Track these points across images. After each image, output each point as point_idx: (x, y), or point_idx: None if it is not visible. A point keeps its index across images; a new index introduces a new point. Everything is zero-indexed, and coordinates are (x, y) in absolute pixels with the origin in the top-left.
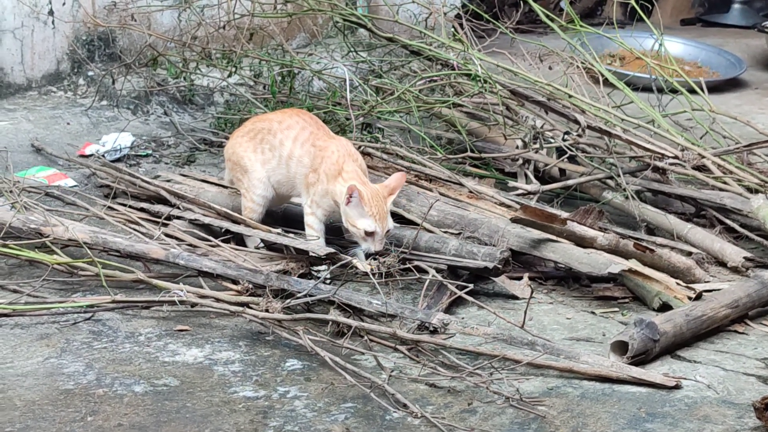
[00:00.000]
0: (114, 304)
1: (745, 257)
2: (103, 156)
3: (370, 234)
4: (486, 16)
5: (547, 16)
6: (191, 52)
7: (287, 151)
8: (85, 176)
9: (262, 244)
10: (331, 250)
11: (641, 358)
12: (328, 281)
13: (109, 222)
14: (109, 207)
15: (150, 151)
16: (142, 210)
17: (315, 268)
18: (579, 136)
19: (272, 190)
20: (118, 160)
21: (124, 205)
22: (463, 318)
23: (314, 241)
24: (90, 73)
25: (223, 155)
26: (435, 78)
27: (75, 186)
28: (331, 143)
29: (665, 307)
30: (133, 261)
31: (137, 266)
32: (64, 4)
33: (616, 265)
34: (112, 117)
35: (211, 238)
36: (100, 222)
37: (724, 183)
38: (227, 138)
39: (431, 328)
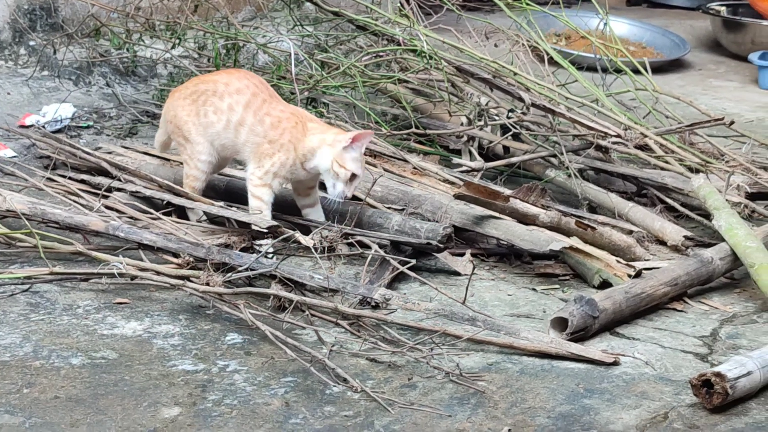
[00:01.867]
0: (52, 276)
1: (685, 236)
2: (43, 127)
3: (354, 177)
4: None
5: None
6: (135, 23)
7: (237, 117)
8: (24, 147)
9: (204, 217)
10: (275, 223)
11: (580, 335)
12: (270, 255)
13: (49, 193)
14: (49, 178)
15: (91, 123)
16: (82, 182)
17: (257, 242)
18: (523, 113)
19: (216, 154)
20: (59, 131)
21: (64, 176)
22: (404, 293)
23: (258, 215)
24: (31, 43)
25: (164, 114)
26: (381, 53)
27: (14, 156)
28: (284, 111)
29: (605, 285)
30: (72, 233)
31: (76, 238)
32: None
33: (558, 242)
34: (54, 87)
35: (152, 210)
36: (39, 193)
37: (666, 162)
38: None
39: (373, 304)
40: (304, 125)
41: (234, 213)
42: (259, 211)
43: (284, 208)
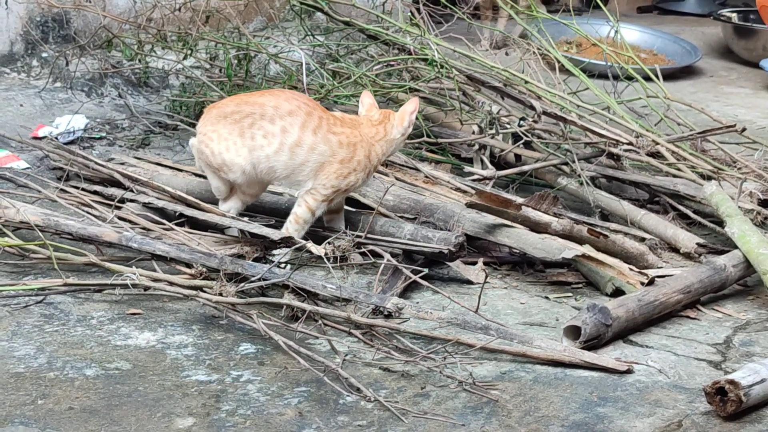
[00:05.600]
0: (66, 287)
1: (697, 243)
2: (56, 138)
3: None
4: (443, 1)
5: (505, 2)
6: (146, 34)
7: (293, 139)
8: (38, 158)
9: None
10: (287, 233)
11: (594, 343)
12: (282, 265)
13: (62, 204)
14: (62, 189)
15: (104, 134)
16: (95, 193)
17: (270, 251)
18: (534, 121)
19: (247, 177)
20: (72, 142)
21: (77, 187)
22: (417, 302)
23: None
24: (44, 55)
25: (195, 135)
26: (392, 63)
27: (27, 168)
28: (346, 123)
29: (618, 293)
30: (85, 244)
31: (90, 249)
32: None
33: (570, 250)
34: (66, 99)
35: (165, 221)
36: (52, 204)
37: (678, 170)
38: (182, 121)
39: (386, 313)
40: (372, 122)
41: (246, 224)
42: (303, 223)
43: None
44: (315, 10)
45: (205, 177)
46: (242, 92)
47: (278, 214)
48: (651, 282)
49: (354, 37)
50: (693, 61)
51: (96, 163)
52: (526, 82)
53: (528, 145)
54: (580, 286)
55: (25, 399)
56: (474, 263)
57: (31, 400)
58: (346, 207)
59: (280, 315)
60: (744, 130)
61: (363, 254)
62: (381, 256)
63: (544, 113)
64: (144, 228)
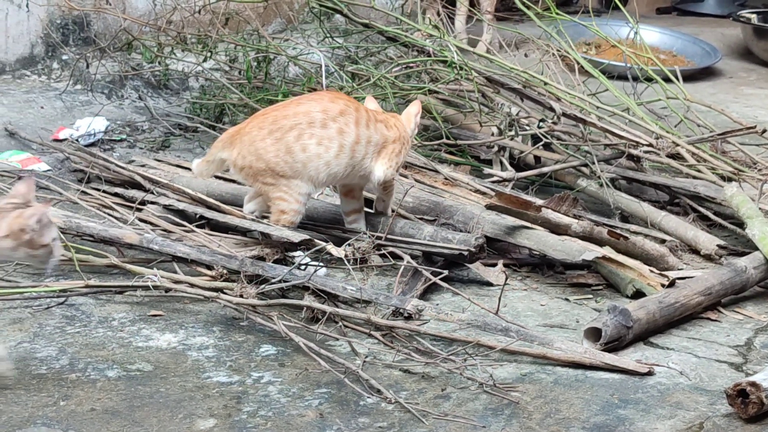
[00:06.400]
0: (87, 289)
1: (718, 245)
2: (77, 140)
3: None
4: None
5: (524, 3)
6: (166, 37)
7: (352, 138)
8: (58, 161)
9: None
10: (306, 236)
11: (614, 345)
12: (303, 267)
13: (83, 207)
14: (83, 192)
15: (124, 136)
16: (116, 195)
17: (290, 253)
18: (554, 123)
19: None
20: (92, 144)
21: (98, 190)
22: (437, 304)
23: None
24: (64, 57)
25: (233, 164)
26: (411, 64)
27: (48, 170)
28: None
29: (639, 294)
30: (106, 246)
31: (111, 251)
32: None
33: (590, 252)
34: (86, 101)
35: (185, 223)
36: (73, 207)
37: (698, 171)
38: (202, 123)
39: (406, 314)
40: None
41: (266, 227)
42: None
43: (316, 219)
44: (334, 12)
45: (225, 179)
46: (262, 94)
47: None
48: (672, 284)
49: (373, 39)
50: (712, 63)
51: (116, 165)
52: (546, 83)
53: (547, 146)
54: (600, 287)
55: (48, 400)
56: (494, 265)
57: (54, 401)
58: (365, 209)
59: (301, 317)
60: (765, 131)
61: (383, 256)
62: (401, 258)
63: (564, 115)
64: (165, 230)
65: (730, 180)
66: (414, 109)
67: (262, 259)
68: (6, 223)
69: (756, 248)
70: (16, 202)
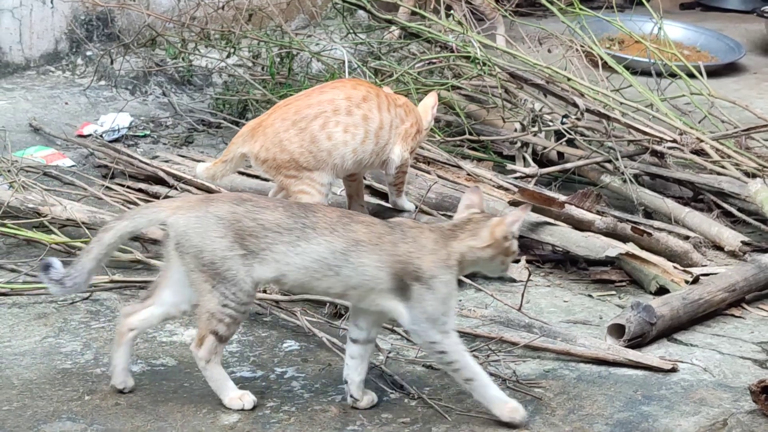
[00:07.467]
0: (112, 284)
1: (742, 241)
2: (101, 136)
3: None
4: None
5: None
6: (190, 33)
7: (376, 124)
8: (83, 156)
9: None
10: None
11: (638, 341)
12: None
13: (107, 202)
14: (107, 187)
15: (148, 132)
16: (139, 190)
17: None
18: (578, 119)
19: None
20: (116, 140)
21: (122, 185)
22: (460, 300)
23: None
24: (88, 53)
25: (255, 158)
26: (434, 60)
27: (73, 166)
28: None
29: (662, 291)
30: (131, 241)
31: (135, 246)
32: None
33: (614, 248)
34: (111, 97)
35: None
36: (98, 202)
37: (722, 167)
38: (225, 119)
39: None
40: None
41: None
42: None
43: None
44: (357, 7)
45: (249, 175)
46: (285, 90)
47: None
48: (695, 280)
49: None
50: (736, 58)
51: (140, 161)
52: (569, 79)
53: (571, 142)
54: (623, 284)
55: (73, 395)
56: (517, 261)
57: (78, 395)
58: (385, 204)
59: (324, 312)
60: None
61: None
62: None
63: (587, 110)
64: None
65: (754, 176)
66: (431, 101)
67: None
68: (487, 232)
69: None
70: (478, 212)
